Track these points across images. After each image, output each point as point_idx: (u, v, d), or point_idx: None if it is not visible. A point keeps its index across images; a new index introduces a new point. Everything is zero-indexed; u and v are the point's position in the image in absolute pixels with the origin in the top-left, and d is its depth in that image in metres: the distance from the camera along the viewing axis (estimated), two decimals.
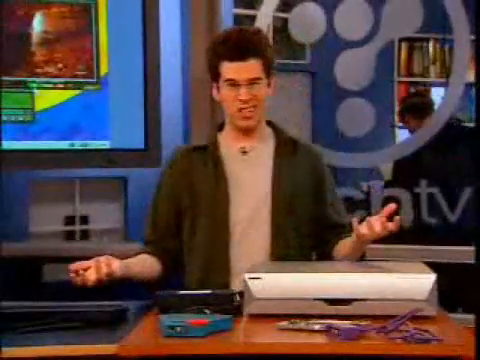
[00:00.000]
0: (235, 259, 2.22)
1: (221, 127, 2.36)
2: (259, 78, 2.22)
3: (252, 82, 2.21)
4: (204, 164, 2.28)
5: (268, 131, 2.34)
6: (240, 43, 2.22)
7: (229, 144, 2.30)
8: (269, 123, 2.35)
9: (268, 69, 2.25)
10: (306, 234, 2.29)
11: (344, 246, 2.23)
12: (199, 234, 2.25)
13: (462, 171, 4.00)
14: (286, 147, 2.30)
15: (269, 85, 2.27)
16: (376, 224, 2.03)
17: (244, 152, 2.29)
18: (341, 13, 3.59)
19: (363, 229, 2.05)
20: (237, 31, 2.33)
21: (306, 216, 2.27)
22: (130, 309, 1.94)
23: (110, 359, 1.64)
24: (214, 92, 2.29)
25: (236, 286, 2.13)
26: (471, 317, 2.84)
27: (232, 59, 2.20)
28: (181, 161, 2.32)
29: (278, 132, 2.33)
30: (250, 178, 2.26)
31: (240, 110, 2.22)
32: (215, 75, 2.25)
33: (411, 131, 4.14)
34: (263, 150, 2.30)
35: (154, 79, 3.58)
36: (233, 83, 2.21)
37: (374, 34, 3.59)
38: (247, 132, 2.28)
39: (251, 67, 2.21)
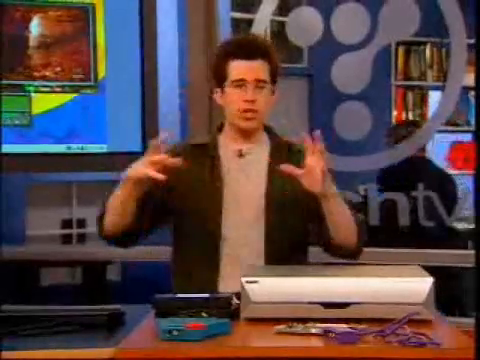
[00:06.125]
0: (225, 261, 2.22)
1: (221, 128, 2.35)
2: (265, 81, 2.23)
3: (258, 85, 2.22)
4: (201, 164, 2.28)
5: (264, 136, 2.34)
6: (250, 43, 2.26)
7: (227, 145, 2.30)
8: (265, 128, 2.36)
9: (273, 76, 2.26)
10: (300, 237, 2.30)
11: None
12: (189, 234, 2.26)
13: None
14: (280, 151, 2.31)
15: (273, 93, 2.28)
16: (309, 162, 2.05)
17: (241, 155, 2.30)
18: (338, 17, 3.60)
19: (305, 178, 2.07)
20: (248, 35, 2.39)
21: (300, 219, 2.27)
22: (127, 313, 1.93)
23: None
24: (217, 96, 2.29)
25: (224, 288, 2.15)
26: (467, 321, 2.86)
27: (240, 57, 2.22)
28: (182, 153, 2.27)
29: (273, 136, 2.35)
30: (245, 181, 2.27)
31: (243, 111, 2.23)
32: (221, 76, 2.25)
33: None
34: (259, 154, 2.31)
35: (151, 82, 3.59)
36: (240, 84, 2.22)
37: (371, 38, 3.60)
38: (245, 134, 2.29)
39: (258, 68, 2.22)
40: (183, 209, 2.26)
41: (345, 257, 2.28)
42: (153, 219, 2.26)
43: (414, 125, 4.38)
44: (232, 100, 2.24)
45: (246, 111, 2.23)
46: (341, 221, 2.18)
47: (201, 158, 2.28)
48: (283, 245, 2.24)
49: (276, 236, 2.23)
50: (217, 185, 2.25)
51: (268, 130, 2.36)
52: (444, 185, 3.88)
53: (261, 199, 2.25)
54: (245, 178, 2.27)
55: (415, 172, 3.80)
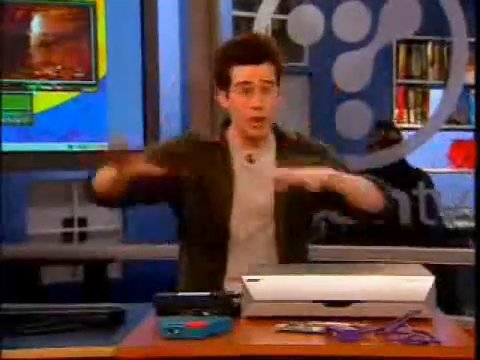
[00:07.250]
0: (232, 264, 2.21)
1: (227, 122, 2.28)
2: (272, 82, 2.17)
3: (265, 87, 2.15)
4: (213, 162, 2.23)
5: (271, 136, 2.29)
6: (254, 46, 2.17)
7: (236, 148, 2.26)
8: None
9: (279, 77, 2.20)
10: (305, 237, 2.30)
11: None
12: (196, 233, 2.24)
13: None
14: (287, 151, 2.25)
15: (278, 95, 2.21)
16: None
17: (250, 161, 2.26)
18: (339, 15, 3.59)
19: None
20: (249, 35, 2.31)
21: (306, 219, 2.28)
22: (128, 311, 1.93)
23: None
24: (221, 99, 2.22)
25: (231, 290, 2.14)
26: (468, 319, 2.86)
27: (245, 62, 2.14)
28: (192, 146, 2.24)
29: (279, 135, 2.29)
30: (253, 185, 2.23)
31: (251, 120, 2.17)
32: (224, 81, 2.18)
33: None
34: (267, 157, 2.26)
35: (153, 81, 3.59)
36: (245, 88, 2.15)
37: (372, 36, 3.59)
38: (254, 140, 2.24)
39: (264, 70, 2.15)
40: (191, 208, 2.23)
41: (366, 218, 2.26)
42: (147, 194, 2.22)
43: (396, 130, 4.28)
44: (238, 106, 2.17)
45: (253, 120, 2.17)
46: (361, 199, 2.15)
47: (212, 157, 2.22)
48: (292, 248, 2.23)
49: (284, 239, 2.21)
50: (228, 187, 2.20)
51: (273, 128, 2.29)
52: (420, 183, 3.83)
53: (270, 202, 2.22)
54: (254, 181, 2.24)
55: (390, 171, 3.77)
